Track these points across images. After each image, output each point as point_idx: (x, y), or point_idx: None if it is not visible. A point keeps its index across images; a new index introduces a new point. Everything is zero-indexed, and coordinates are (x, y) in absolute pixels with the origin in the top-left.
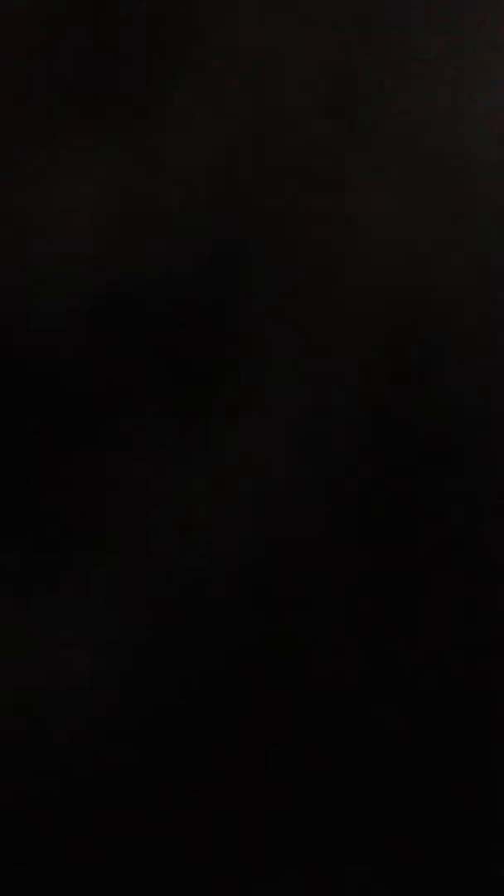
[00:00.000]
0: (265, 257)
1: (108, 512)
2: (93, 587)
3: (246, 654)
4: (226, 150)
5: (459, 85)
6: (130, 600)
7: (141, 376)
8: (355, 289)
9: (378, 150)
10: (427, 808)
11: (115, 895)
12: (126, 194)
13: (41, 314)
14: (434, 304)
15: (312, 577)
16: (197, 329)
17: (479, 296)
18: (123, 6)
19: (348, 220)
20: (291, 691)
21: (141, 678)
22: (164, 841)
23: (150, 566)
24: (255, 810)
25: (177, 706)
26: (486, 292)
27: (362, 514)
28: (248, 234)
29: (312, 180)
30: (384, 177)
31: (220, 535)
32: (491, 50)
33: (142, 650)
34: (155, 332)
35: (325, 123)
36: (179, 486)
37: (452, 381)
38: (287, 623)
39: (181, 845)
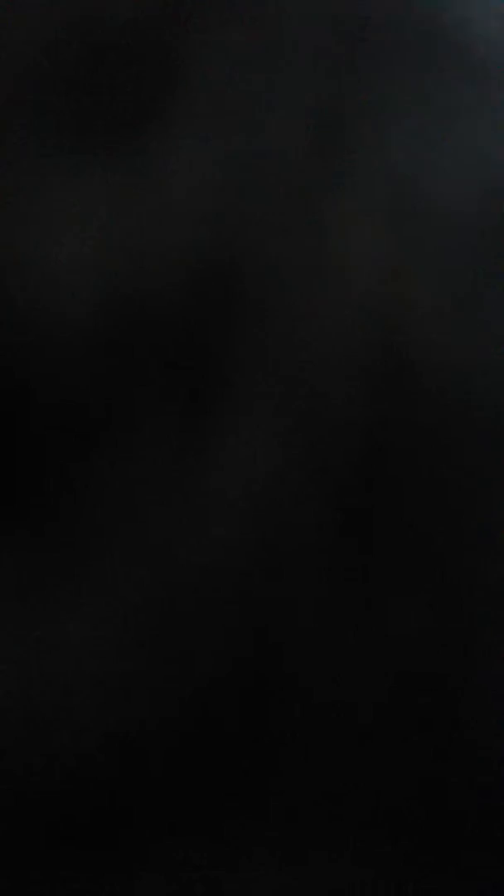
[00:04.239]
0: (257, 282)
1: (107, 517)
2: (92, 589)
3: (245, 656)
4: (218, 183)
5: (436, 125)
6: (129, 601)
7: (138, 390)
8: (340, 310)
9: (358, 183)
10: (425, 805)
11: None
12: (120, 228)
13: (41, 332)
14: (414, 328)
15: (308, 577)
16: (192, 349)
17: (456, 323)
18: (115, 44)
19: (333, 243)
20: (290, 691)
21: (140, 679)
22: (165, 840)
23: (148, 568)
24: (256, 810)
25: (176, 706)
26: (463, 320)
27: (353, 518)
28: (240, 261)
29: (299, 213)
30: (366, 209)
31: (217, 538)
32: (467, 92)
33: (140, 651)
34: (152, 351)
35: (311, 160)
36: (177, 490)
37: (430, 394)
38: (284, 623)
39: (182, 844)
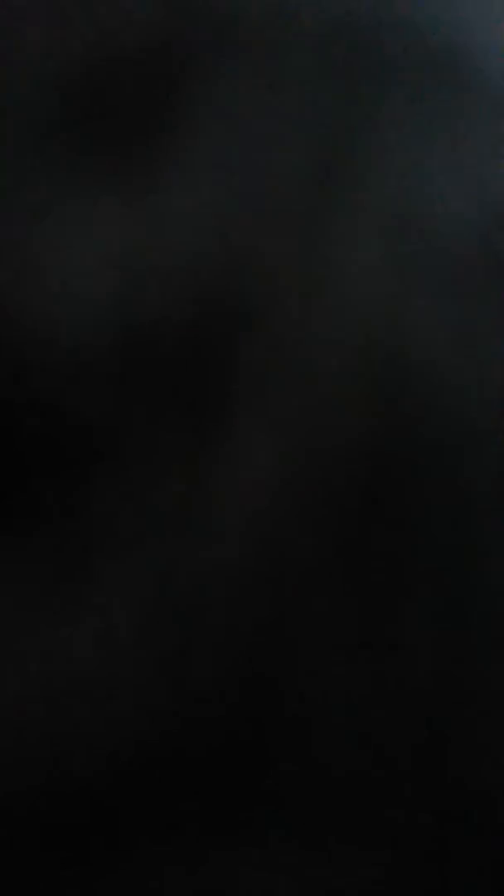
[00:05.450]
0: (259, 303)
1: (110, 529)
2: (95, 599)
3: (249, 661)
4: (223, 201)
5: (434, 149)
6: (132, 612)
7: (142, 405)
8: (341, 330)
9: (363, 204)
10: (423, 815)
11: (117, 894)
12: (128, 247)
13: (47, 347)
14: (414, 348)
15: (310, 594)
16: (195, 366)
17: (455, 342)
18: (122, 61)
19: (334, 268)
20: (291, 701)
21: (142, 686)
22: (167, 843)
23: (150, 581)
24: (256, 815)
25: (178, 712)
26: (461, 339)
27: (355, 534)
28: (244, 279)
29: (302, 232)
30: (368, 230)
31: (219, 552)
32: (465, 117)
33: (143, 658)
34: (155, 367)
35: (314, 180)
36: (179, 504)
37: (429, 411)
38: (286, 637)
39: (184, 847)
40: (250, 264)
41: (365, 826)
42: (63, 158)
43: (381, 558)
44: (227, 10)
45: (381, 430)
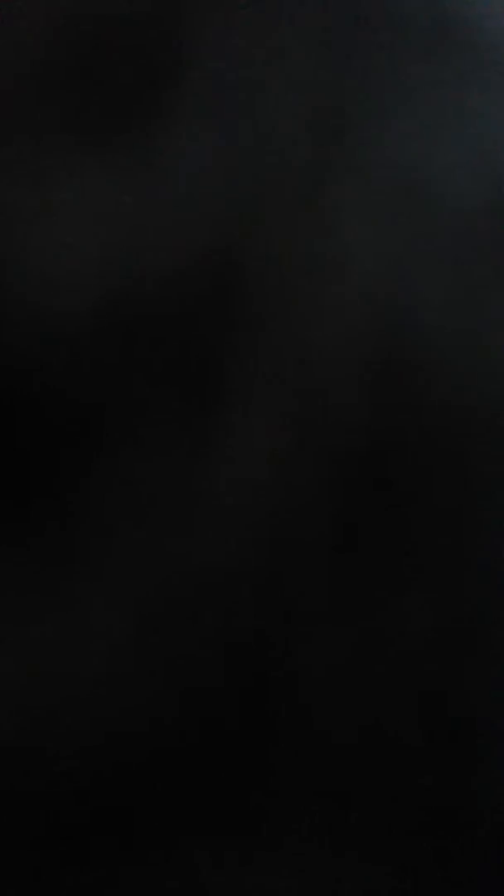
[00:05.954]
0: (258, 277)
1: (108, 516)
2: (93, 587)
3: (247, 656)
4: (219, 177)
5: (439, 118)
6: (130, 600)
7: (140, 389)
8: (342, 306)
9: (360, 177)
10: (422, 813)
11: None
12: (123, 219)
13: (42, 330)
14: (415, 323)
15: (309, 577)
16: (193, 346)
17: (457, 317)
18: (117, 38)
19: (333, 241)
20: (290, 690)
21: (143, 683)
22: (167, 844)
23: (149, 567)
24: (256, 811)
25: (177, 706)
26: (464, 314)
27: (354, 517)
28: (241, 257)
29: (301, 207)
30: (366, 202)
31: (218, 537)
32: (471, 85)
33: (141, 650)
34: (153, 348)
35: (312, 154)
36: (178, 489)
37: (431, 390)
38: (285, 622)
39: (184, 848)
40: (247, 234)
41: (367, 825)
42: (58, 124)
43: (380, 538)
44: None
45: (383, 406)
